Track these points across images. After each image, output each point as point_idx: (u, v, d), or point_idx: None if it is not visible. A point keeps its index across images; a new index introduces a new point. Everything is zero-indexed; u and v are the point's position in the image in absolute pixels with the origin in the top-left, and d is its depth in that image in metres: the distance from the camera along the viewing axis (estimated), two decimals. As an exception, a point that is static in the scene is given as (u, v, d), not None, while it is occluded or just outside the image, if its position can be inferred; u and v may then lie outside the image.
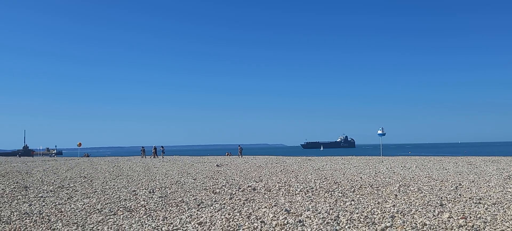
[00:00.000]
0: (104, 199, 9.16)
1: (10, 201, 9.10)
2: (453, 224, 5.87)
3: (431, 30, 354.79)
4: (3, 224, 6.71)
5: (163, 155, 38.61)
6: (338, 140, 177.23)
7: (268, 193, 9.71)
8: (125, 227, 6.29)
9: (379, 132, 40.37)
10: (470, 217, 6.30)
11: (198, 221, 6.50)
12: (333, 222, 6.18)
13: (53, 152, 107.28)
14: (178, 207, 7.93)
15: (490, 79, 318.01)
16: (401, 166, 18.41)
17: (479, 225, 5.79)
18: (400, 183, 11.16)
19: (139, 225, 6.42)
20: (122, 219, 6.94)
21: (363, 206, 7.49)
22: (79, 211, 7.69)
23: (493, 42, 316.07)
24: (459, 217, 6.29)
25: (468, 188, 9.90)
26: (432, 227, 5.75)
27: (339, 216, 6.61)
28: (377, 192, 9.39)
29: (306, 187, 10.45)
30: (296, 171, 16.08)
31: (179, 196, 9.48)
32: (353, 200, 8.25)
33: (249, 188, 10.59)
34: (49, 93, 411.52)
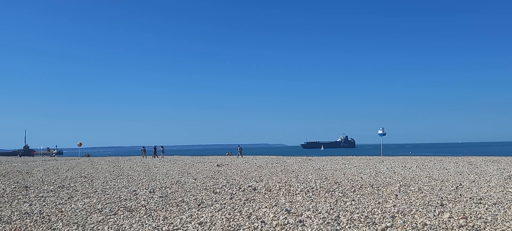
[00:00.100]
0: (105, 199, 9.16)
1: (11, 200, 9.10)
2: (453, 224, 5.87)
3: (431, 30, 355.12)
4: (3, 224, 6.72)
5: (163, 154, 38.63)
6: (338, 140, 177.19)
7: (269, 193, 9.71)
8: (125, 227, 6.30)
9: (380, 131, 40.27)
10: (471, 217, 6.30)
11: (199, 221, 6.50)
12: (333, 222, 6.18)
13: (54, 151, 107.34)
14: (179, 207, 7.93)
15: (490, 79, 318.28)
16: (402, 166, 18.40)
17: (480, 225, 5.78)
18: (401, 183, 11.16)
19: (139, 225, 6.43)
20: (123, 219, 6.94)
21: (363, 206, 7.48)
22: (79, 211, 7.70)
23: (493, 42, 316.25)
24: (459, 217, 6.29)
25: (469, 188, 9.90)
26: (432, 227, 5.75)
27: (340, 216, 6.60)
28: (378, 192, 9.39)
29: (307, 187, 10.45)
30: (296, 171, 16.08)
31: (179, 196, 9.48)
32: (353, 200, 8.25)
33: (250, 188, 10.59)
34: (49, 93, 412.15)
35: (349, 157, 32.97)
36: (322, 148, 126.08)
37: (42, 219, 6.99)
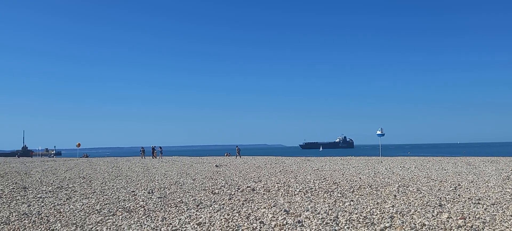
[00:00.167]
0: (103, 199, 9.15)
1: (9, 201, 9.09)
2: (452, 225, 5.87)
3: (431, 30, 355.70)
4: (2, 224, 6.71)
5: (161, 155, 38.59)
6: (337, 141, 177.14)
7: (267, 193, 9.71)
8: (124, 228, 6.29)
9: (378, 132, 40.27)
10: (469, 218, 6.31)
11: (197, 222, 6.50)
12: (332, 223, 6.19)
13: (52, 152, 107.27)
14: (177, 208, 7.93)
15: (490, 79, 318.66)
16: (400, 166, 18.42)
17: (478, 226, 5.79)
18: (399, 183, 11.17)
19: (138, 225, 6.42)
20: (121, 219, 6.93)
21: (362, 207, 7.49)
22: (78, 212, 7.69)
23: (493, 42, 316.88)
24: (458, 218, 6.30)
25: (467, 188, 9.91)
26: (431, 228, 5.76)
27: (338, 216, 6.61)
28: (376, 193, 9.40)
29: (305, 188, 10.46)
30: (295, 172, 16.09)
31: (178, 196, 9.47)
32: (352, 201, 8.25)
33: (248, 188, 10.59)
34: (48, 93, 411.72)
35: (348, 158, 32.99)
36: (321, 149, 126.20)
37: (41, 220, 6.98)
